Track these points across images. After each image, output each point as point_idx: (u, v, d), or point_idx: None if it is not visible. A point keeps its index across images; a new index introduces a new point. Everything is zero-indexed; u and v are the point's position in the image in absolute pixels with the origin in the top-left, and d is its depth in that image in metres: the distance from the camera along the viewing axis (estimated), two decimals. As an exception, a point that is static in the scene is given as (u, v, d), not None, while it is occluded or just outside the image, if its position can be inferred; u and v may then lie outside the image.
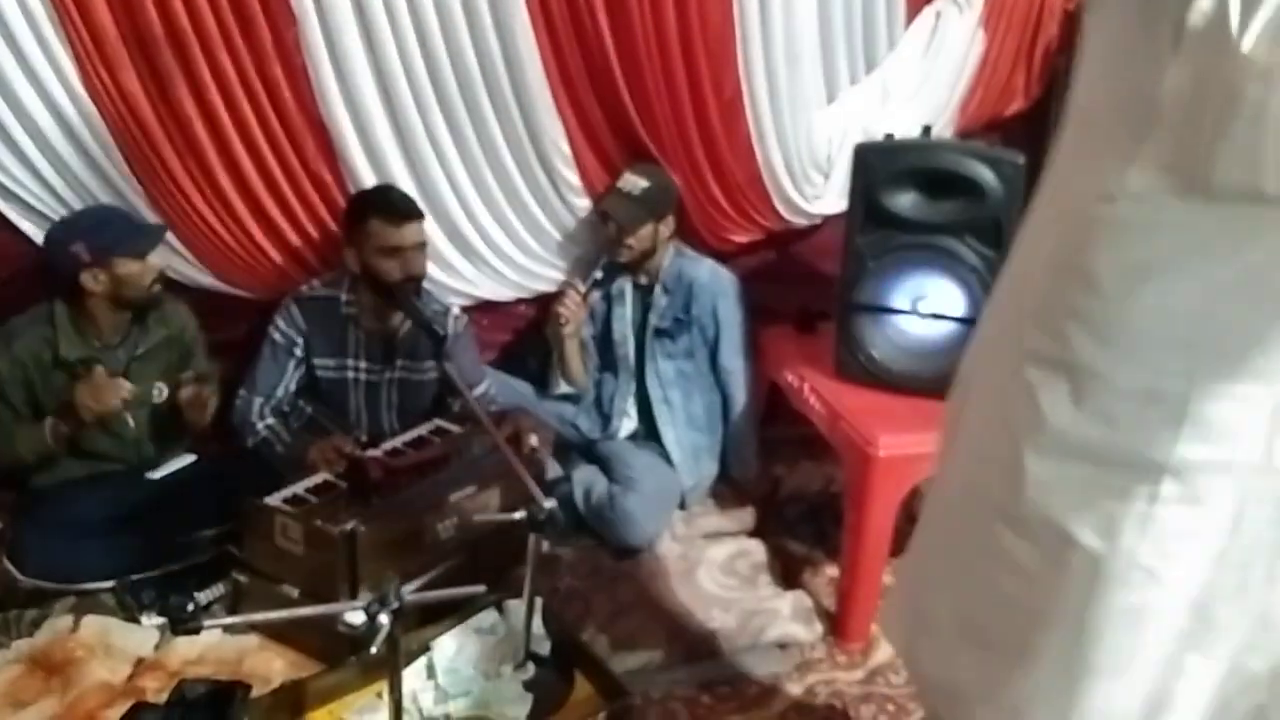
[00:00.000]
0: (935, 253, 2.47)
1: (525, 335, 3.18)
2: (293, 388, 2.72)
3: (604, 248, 2.91)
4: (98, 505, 2.45)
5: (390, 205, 2.57)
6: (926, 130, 2.66)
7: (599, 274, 2.91)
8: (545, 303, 3.06)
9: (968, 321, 2.47)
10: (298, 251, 2.79)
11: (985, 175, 2.38)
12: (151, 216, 2.61)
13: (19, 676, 2.13)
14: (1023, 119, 3.25)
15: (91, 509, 2.44)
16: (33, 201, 2.53)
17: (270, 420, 2.68)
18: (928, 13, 3.02)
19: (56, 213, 2.54)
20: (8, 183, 2.49)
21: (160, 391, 2.59)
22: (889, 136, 2.61)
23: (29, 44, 2.35)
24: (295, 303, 2.69)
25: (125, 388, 2.41)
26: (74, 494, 2.47)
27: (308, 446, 2.55)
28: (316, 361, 2.71)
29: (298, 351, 2.69)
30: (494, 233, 2.94)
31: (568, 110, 2.78)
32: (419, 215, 2.61)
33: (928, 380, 2.51)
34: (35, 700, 2.06)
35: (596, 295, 2.96)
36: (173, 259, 2.68)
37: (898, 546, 2.48)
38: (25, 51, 2.35)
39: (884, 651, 2.37)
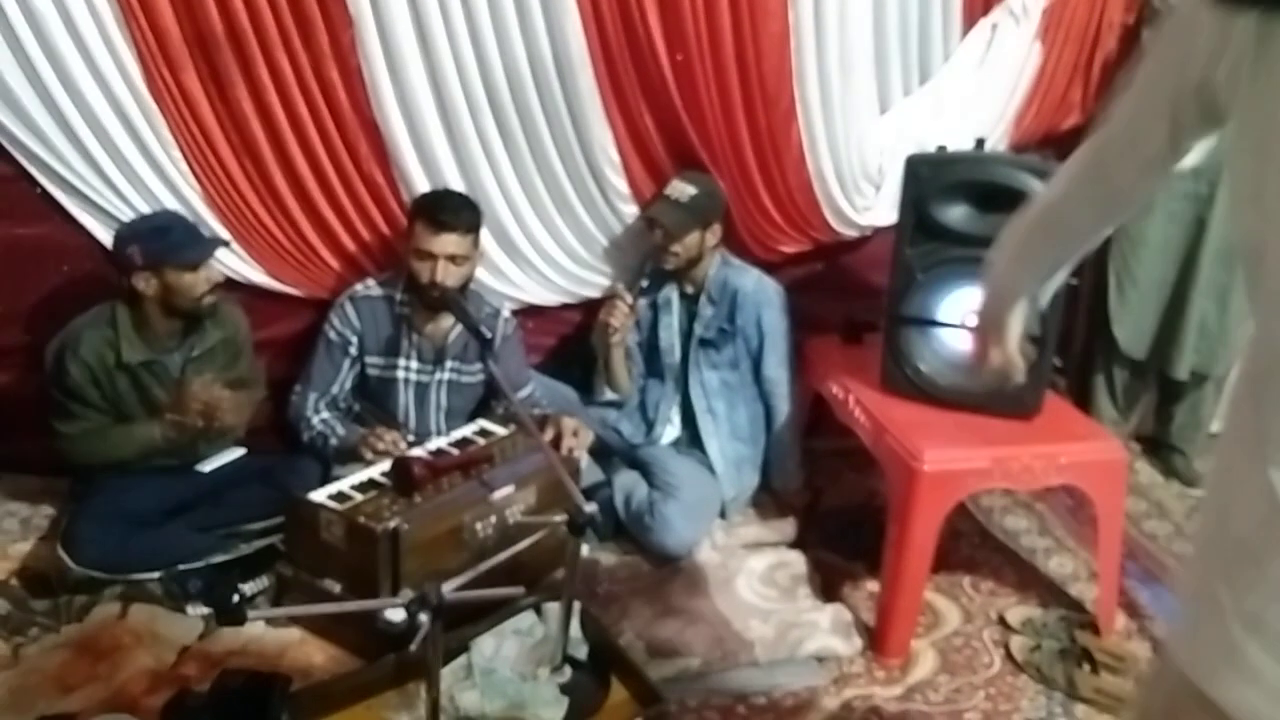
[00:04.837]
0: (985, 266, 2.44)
1: (570, 340, 3.19)
2: (348, 385, 2.76)
3: (650, 255, 2.91)
4: (150, 497, 2.51)
5: (436, 210, 2.58)
6: (980, 143, 2.64)
7: (645, 281, 2.90)
8: (591, 308, 3.07)
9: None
10: (349, 252, 2.83)
11: (1038, 190, 2.34)
12: (207, 213, 2.66)
13: (67, 661, 2.18)
14: (1079, 134, 3.20)
15: (144, 501, 2.49)
16: (93, 196, 2.58)
17: (325, 414, 2.72)
18: (984, 24, 2.98)
19: (115, 207, 2.59)
20: (70, 178, 2.55)
21: None
22: (941, 148, 2.58)
23: (96, 44, 2.41)
24: (351, 301, 2.72)
25: (225, 392, 2.52)
26: (128, 486, 2.51)
27: (359, 440, 2.60)
28: (368, 360, 2.74)
29: (352, 350, 2.73)
30: (542, 237, 2.96)
31: (617, 117, 2.79)
32: (464, 229, 2.58)
33: (974, 395, 2.48)
34: (82, 684, 2.11)
35: (643, 303, 2.96)
36: (226, 256, 2.73)
37: (939, 562, 2.47)
38: (92, 51, 2.41)
39: (922, 668, 2.34)
